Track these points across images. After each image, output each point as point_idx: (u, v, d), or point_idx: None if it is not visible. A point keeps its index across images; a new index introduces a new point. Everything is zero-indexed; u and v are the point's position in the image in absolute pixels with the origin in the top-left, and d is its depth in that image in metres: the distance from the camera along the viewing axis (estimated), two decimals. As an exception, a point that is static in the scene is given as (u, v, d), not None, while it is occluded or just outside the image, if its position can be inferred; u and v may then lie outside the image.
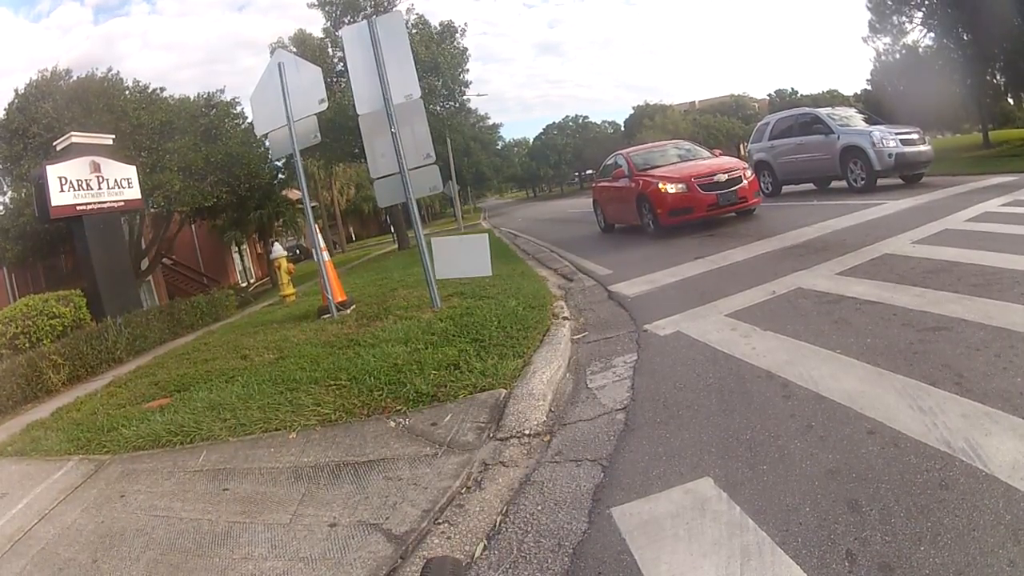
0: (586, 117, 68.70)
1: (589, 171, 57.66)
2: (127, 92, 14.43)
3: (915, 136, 9.80)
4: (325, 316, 6.08)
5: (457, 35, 19.29)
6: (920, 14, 20.27)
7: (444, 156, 23.43)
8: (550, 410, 2.89)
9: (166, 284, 20.40)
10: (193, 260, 23.48)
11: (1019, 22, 16.57)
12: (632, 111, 63.61)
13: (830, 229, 6.48)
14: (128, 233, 14.51)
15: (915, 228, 5.73)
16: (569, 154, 64.29)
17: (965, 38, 18.72)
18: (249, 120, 15.21)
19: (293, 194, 21.68)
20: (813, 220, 7.22)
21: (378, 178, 5.43)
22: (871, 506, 1.72)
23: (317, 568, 1.94)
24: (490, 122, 48.61)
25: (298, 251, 32.76)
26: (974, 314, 3.09)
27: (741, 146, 42.79)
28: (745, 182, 8.13)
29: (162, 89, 15.33)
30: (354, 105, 5.51)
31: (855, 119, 10.89)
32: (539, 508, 2.06)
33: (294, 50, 17.55)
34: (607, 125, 68.12)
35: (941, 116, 21.77)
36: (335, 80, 17.67)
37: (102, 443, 3.51)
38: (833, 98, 43.86)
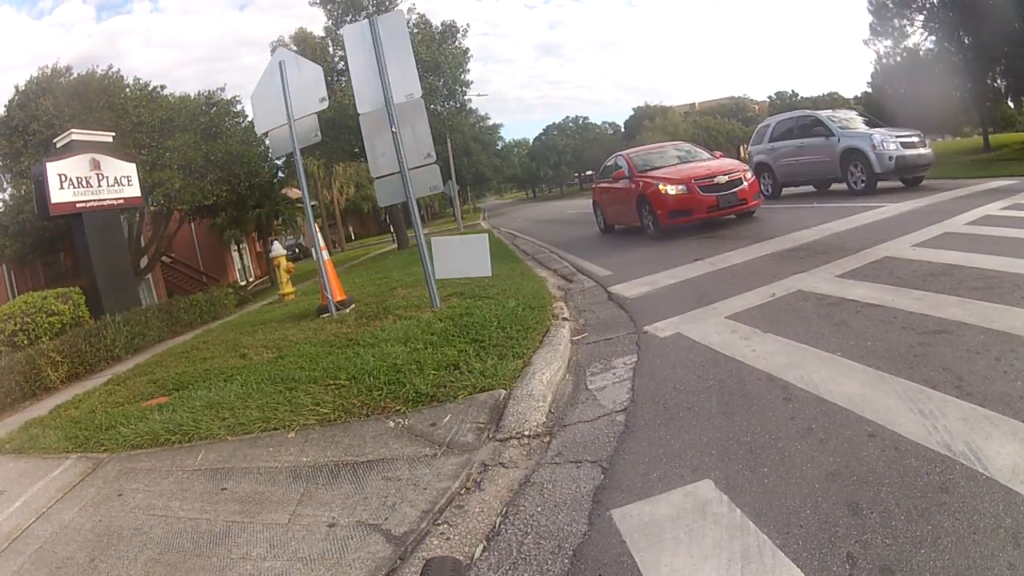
0: (586, 118, 68.86)
1: (589, 172, 57.68)
2: (128, 90, 14.42)
3: (916, 139, 9.81)
4: (324, 315, 6.07)
5: (459, 35, 19.30)
6: (921, 17, 20.33)
7: (444, 156, 23.46)
8: (550, 411, 2.88)
9: (165, 282, 20.37)
10: (192, 258, 23.45)
11: (1020, 26, 16.59)
12: (632, 112, 63.86)
13: (830, 232, 6.48)
14: (127, 231, 14.49)
15: (915, 231, 5.73)
16: (569, 155, 64.30)
17: (966, 42, 18.77)
18: (249, 118, 15.21)
19: (293, 193, 21.71)
20: (813, 222, 7.22)
21: (378, 177, 5.43)
22: (872, 509, 1.71)
23: (316, 568, 1.93)
24: (490, 122, 48.85)
25: (297, 250, 32.75)
26: (975, 318, 3.09)
27: (741, 148, 42.82)
28: (745, 184, 8.13)
29: (163, 87, 15.34)
30: (355, 104, 5.50)
31: (855, 122, 10.90)
32: (539, 509, 2.05)
33: (295, 49, 17.53)
34: (607, 126, 68.24)
35: (942, 119, 21.80)
36: (336, 79, 17.66)
37: (100, 441, 3.50)
38: (834, 101, 43.97)
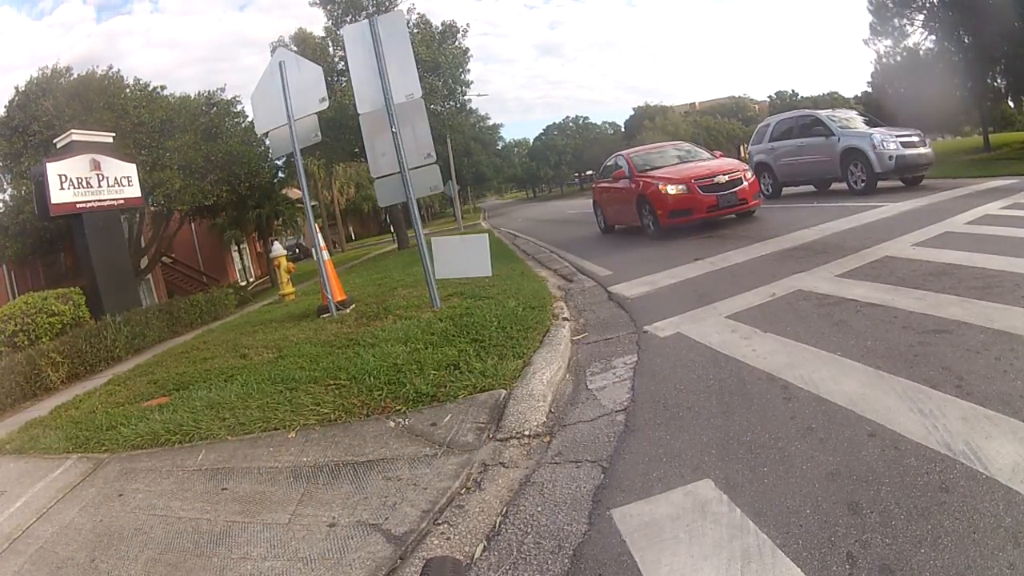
0: (586, 118, 68.93)
1: (589, 172, 57.72)
2: (128, 90, 14.43)
3: (916, 138, 9.80)
4: (325, 315, 6.07)
5: (458, 35, 19.31)
6: (921, 17, 20.33)
7: (444, 156, 23.45)
8: (550, 411, 2.88)
9: (165, 282, 20.39)
10: (192, 258, 23.47)
11: (1020, 25, 16.59)
12: (632, 112, 63.87)
13: (830, 231, 6.48)
14: (128, 231, 14.51)
15: (915, 231, 5.73)
16: (569, 155, 64.34)
17: (966, 41, 18.77)
18: (249, 119, 15.22)
19: (293, 193, 21.72)
20: (813, 222, 7.22)
21: (379, 177, 5.43)
22: (872, 508, 1.71)
23: (316, 568, 1.94)
24: (490, 122, 48.87)
25: (297, 250, 32.77)
26: (975, 317, 3.09)
27: (741, 148, 42.82)
28: (745, 184, 8.13)
29: (163, 87, 15.35)
30: (355, 104, 5.50)
31: (855, 121, 10.90)
32: (539, 509, 2.06)
33: (295, 49, 17.55)
34: (607, 126, 68.25)
35: (942, 119, 21.80)
36: (336, 79, 17.66)
37: (101, 441, 3.51)
38: (834, 100, 43.98)
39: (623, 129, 63.43)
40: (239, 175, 15.80)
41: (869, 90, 25.65)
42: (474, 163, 45.95)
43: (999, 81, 20.19)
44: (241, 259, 27.17)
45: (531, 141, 71.64)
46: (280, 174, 20.14)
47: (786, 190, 11.99)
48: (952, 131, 28.69)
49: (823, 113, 11.30)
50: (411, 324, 4.65)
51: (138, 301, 9.55)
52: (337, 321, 5.64)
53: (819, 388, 2.55)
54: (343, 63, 17.11)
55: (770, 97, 62.42)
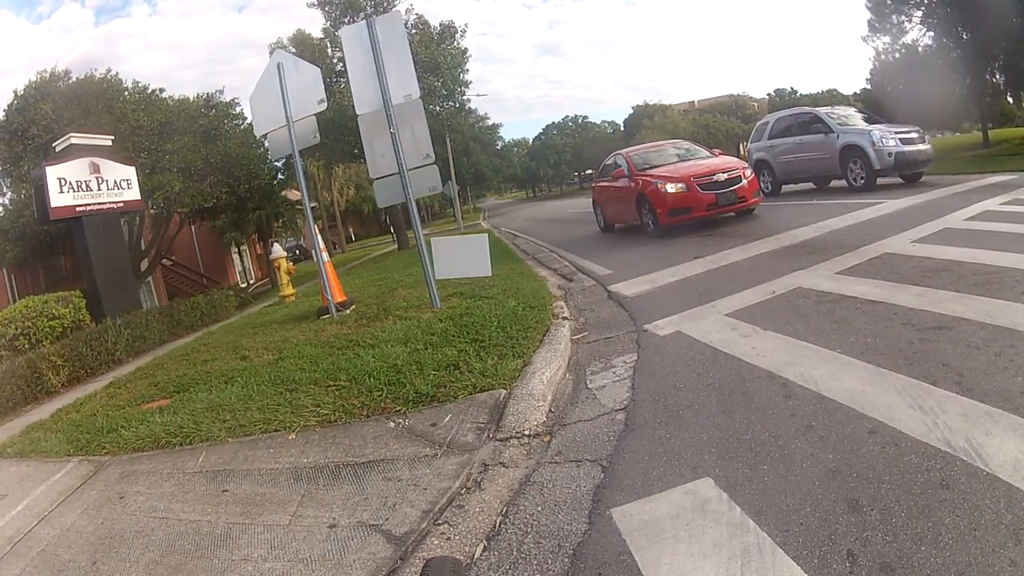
0: (586, 117, 69.10)
1: (589, 171, 57.75)
2: (126, 93, 14.42)
3: (915, 135, 9.79)
4: (325, 316, 6.07)
5: (457, 35, 19.32)
6: (920, 13, 20.28)
7: (444, 156, 23.47)
8: (550, 410, 2.88)
9: (166, 285, 20.40)
10: (193, 261, 23.49)
11: (1019, 21, 16.56)
12: (632, 111, 64.00)
13: (830, 228, 6.48)
14: (128, 234, 14.50)
15: (915, 227, 5.73)
16: (569, 154, 64.43)
17: (965, 37, 18.72)
18: (248, 121, 15.21)
19: (293, 194, 21.71)
20: (813, 219, 7.22)
21: (378, 178, 5.43)
22: (872, 506, 1.71)
23: (316, 569, 1.94)
24: (490, 122, 48.86)
25: (298, 251, 32.80)
26: (974, 313, 3.09)
27: (741, 146, 42.83)
28: (745, 182, 8.12)
29: (161, 90, 15.33)
30: (354, 105, 5.50)
31: (854, 118, 10.89)
32: (539, 509, 2.06)
33: (293, 50, 17.57)
34: (607, 125, 68.39)
35: (941, 115, 21.73)
36: (335, 80, 17.67)
37: (101, 444, 3.51)
38: (832, 97, 43.94)
39: (622, 128, 63.50)
40: (239, 177, 15.80)
41: (868, 87, 25.60)
42: (474, 163, 45.96)
43: (998, 77, 20.13)
44: (241, 261, 27.18)
45: (531, 141, 71.85)
46: (280, 176, 20.14)
47: (785, 188, 11.98)
48: (951, 127, 28.62)
49: (822, 110, 11.28)
50: (411, 325, 4.65)
51: (138, 303, 9.56)
52: (337, 322, 5.65)
53: (819, 386, 2.55)
54: (341, 64, 17.09)
55: (769, 95, 62.46)
